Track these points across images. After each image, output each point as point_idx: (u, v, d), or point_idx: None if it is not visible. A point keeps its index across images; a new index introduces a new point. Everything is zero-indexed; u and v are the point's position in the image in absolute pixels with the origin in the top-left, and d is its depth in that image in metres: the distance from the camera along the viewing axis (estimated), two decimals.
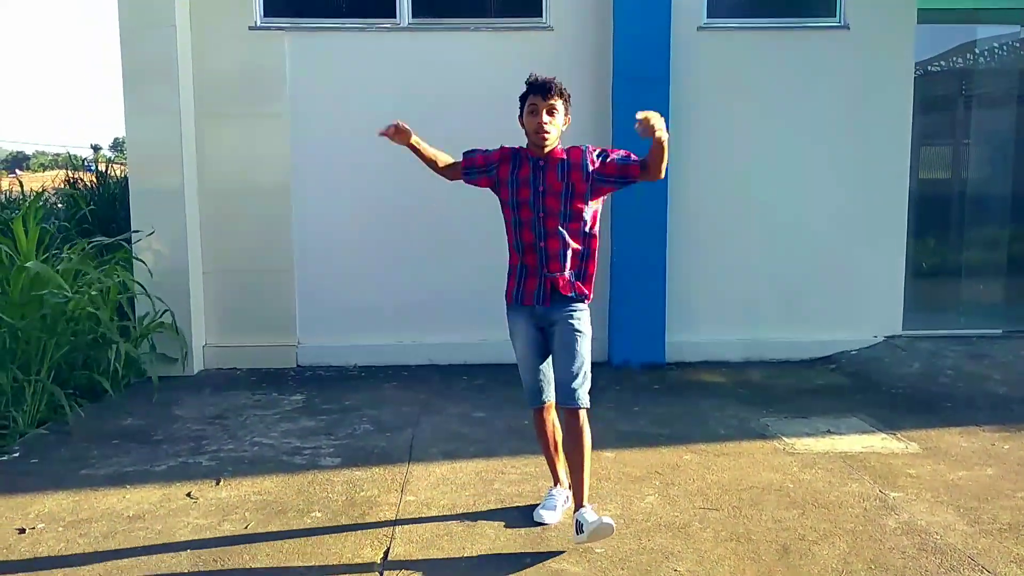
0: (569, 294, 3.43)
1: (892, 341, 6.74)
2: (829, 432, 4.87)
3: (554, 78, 3.41)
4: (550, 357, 3.54)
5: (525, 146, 3.50)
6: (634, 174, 3.39)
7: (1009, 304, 7.49)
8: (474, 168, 3.58)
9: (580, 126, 6.71)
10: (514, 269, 3.53)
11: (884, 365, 6.39)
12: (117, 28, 6.12)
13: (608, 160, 3.42)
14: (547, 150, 3.41)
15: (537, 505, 3.73)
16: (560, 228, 3.40)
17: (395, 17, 6.47)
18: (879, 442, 4.69)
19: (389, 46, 6.50)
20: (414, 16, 6.47)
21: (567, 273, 3.43)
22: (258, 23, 6.41)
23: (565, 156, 3.43)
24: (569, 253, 3.42)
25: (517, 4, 6.64)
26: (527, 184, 3.42)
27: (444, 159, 3.63)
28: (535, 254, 3.44)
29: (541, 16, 6.51)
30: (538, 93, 3.37)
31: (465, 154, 3.62)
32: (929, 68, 7.38)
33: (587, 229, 3.45)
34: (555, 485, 3.79)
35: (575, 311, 3.45)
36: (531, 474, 4.17)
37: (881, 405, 5.44)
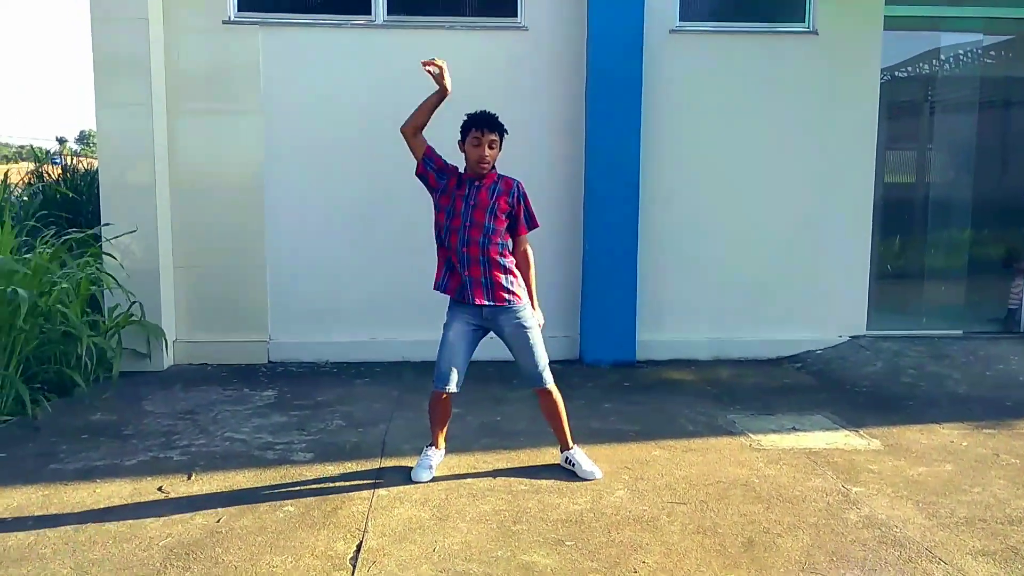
0: (502, 303, 3.93)
1: (856, 341, 6.88)
2: (794, 429, 4.98)
3: (495, 115, 3.92)
4: (470, 351, 4.05)
5: (464, 168, 3.99)
6: (518, 232, 4.01)
7: (969, 306, 7.67)
8: (432, 162, 3.99)
9: (553, 125, 6.83)
10: (441, 263, 4.04)
11: (848, 364, 6.52)
12: (88, 20, 6.04)
13: (521, 205, 4.00)
14: (483, 175, 3.93)
15: (511, 504, 3.77)
16: (481, 238, 3.88)
17: (370, 14, 6.47)
18: (842, 439, 4.81)
19: (364, 43, 6.50)
20: (389, 13, 6.48)
21: (485, 278, 3.90)
22: (232, 17, 6.38)
23: (497, 179, 3.97)
24: (487, 260, 3.90)
25: (492, 4, 6.66)
26: (462, 198, 3.92)
27: (422, 125, 3.96)
28: (457, 257, 3.92)
29: (516, 16, 6.56)
30: (481, 128, 3.86)
31: (431, 147, 4.00)
32: (895, 74, 7.54)
33: (504, 241, 3.97)
34: (432, 447, 4.23)
35: (517, 311, 3.97)
36: (503, 469, 4.22)
37: (845, 403, 5.56)
